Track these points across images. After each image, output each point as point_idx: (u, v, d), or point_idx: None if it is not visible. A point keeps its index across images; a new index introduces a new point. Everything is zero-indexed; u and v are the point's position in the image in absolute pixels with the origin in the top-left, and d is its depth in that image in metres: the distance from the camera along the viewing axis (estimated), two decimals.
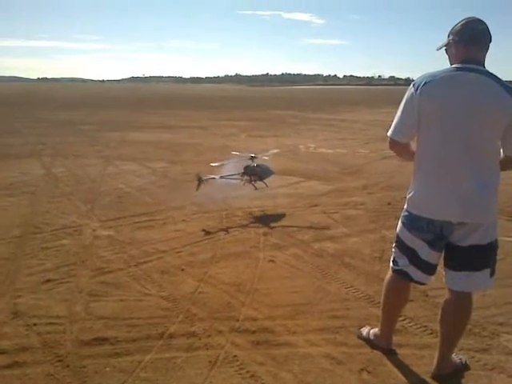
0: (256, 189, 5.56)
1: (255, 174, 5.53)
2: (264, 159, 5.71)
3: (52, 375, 2.35)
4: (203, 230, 4.69)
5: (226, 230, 4.76)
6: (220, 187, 5.49)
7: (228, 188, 5.62)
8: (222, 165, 5.64)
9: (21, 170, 7.73)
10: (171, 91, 70.98)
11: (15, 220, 4.94)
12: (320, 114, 23.52)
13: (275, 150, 6.04)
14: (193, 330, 2.79)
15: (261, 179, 5.57)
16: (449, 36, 2.21)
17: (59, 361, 2.47)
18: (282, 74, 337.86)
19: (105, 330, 2.77)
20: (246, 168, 5.52)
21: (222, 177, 5.42)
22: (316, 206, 5.76)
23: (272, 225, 4.91)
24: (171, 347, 2.62)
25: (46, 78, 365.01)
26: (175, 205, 5.67)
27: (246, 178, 5.53)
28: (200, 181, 5.18)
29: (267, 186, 5.66)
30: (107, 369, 2.41)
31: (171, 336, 2.72)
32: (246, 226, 4.93)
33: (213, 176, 5.37)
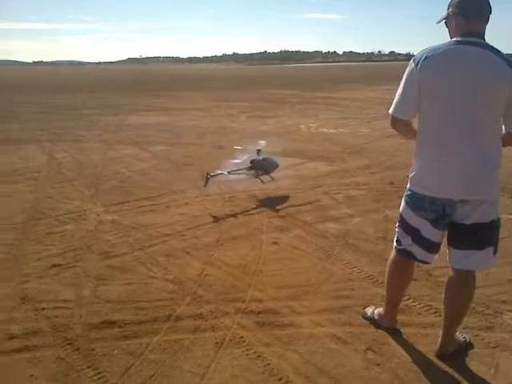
0: (263, 182, 5.50)
1: (261, 167, 5.47)
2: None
3: (62, 358, 2.39)
4: (212, 216, 4.67)
5: (230, 212, 4.78)
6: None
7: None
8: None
9: (22, 156, 7.73)
10: (169, 72, 70.34)
11: (19, 206, 4.96)
12: (320, 92, 23.30)
13: (263, 142, 5.85)
14: (199, 312, 2.83)
15: (267, 173, 5.51)
16: (448, 8, 2.17)
17: (69, 344, 2.51)
18: (281, 51, 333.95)
19: (112, 314, 2.81)
20: (253, 162, 5.45)
21: (229, 172, 5.35)
22: (318, 187, 5.76)
23: (275, 207, 4.93)
24: (178, 329, 2.65)
25: (42, 62, 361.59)
26: (177, 188, 5.68)
27: (252, 172, 5.46)
28: (208, 177, 5.12)
29: (273, 179, 5.60)
30: (116, 351, 2.45)
31: (178, 318, 2.76)
32: (248, 208, 4.95)
33: (220, 171, 5.30)
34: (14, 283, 3.21)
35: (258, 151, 5.53)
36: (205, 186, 5.14)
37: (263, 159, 5.48)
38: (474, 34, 2.07)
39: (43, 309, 2.86)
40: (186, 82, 36.68)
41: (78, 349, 2.47)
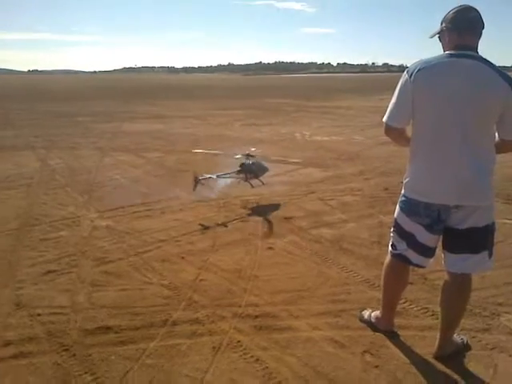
0: (253, 186, 5.46)
1: (251, 171, 5.44)
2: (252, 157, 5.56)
3: (59, 364, 2.37)
4: (207, 221, 4.66)
5: (224, 218, 4.77)
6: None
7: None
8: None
9: (16, 163, 7.69)
10: (164, 81, 70.50)
11: (13, 212, 4.93)
12: (315, 101, 23.46)
13: (253, 149, 5.81)
14: (196, 317, 2.81)
15: (257, 177, 5.48)
16: (442, 23, 2.22)
17: (65, 350, 2.48)
18: (276, 62, 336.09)
19: (108, 319, 2.79)
20: (242, 166, 5.41)
21: (218, 176, 5.33)
22: (313, 193, 5.78)
23: (269, 212, 4.93)
24: (175, 334, 2.64)
25: (37, 71, 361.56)
26: (172, 194, 5.67)
27: (241, 175, 5.42)
28: (196, 180, 5.08)
29: (263, 183, 5.57)
30: (113, 357, 2.43)
31: (174, 323, 2.74)
32: (243, 214, 4.94)
33: (209, 175, 5.27)
34: (9, 289, 3.17)
35: (248, 155, 5.49)
36: (194, 189, 5.12)
37: (252, 163, 5.45)
38: (467, 48, 2.11)
39: (38, 315, 2.84)
40: (180, 91, 36.79)
41: (74, 355, 2.45)
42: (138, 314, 2.85)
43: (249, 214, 4.92)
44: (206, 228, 4.47)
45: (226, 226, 4.53)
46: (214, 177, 5.28)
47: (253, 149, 5.62)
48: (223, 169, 5.50)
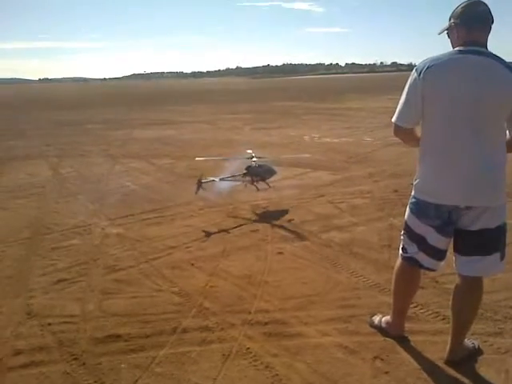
0: (258, 190, 5.38)
1: (257, 174, 5.33)
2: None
3: (68, 373, 2.38)
4: (216, 227, 4.66)
5: (234, 223, 4.77)
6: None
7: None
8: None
9: (28, 172, 7.79)
10: (173, 87, 70.90)
11: (25, 221, 4.98)
12: (323, 103, 23.41)
13: (249, 151, 5.67)
14: (206, 324, 2.81)
15: (263, 180, 5.38)
16: (450, 19, 2.19)
17: (75, 359, 2.49)
18: (284, 64, 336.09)
19: (118, 327, 2.79)
20: (248, 168, 5.30)
21: (222, 179, 5.19)
22: (322, 196, 5.75)
23: (279, 217, 4.92)
24: (185, 342, 2.64)
25: (48, 79, 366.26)
26: (182, 201, 5.68)
27: (247, 179, 5.32)
28: (199, 184, 4.96)
29: (270, 186, 5.48)
30: (122, 365, 2.44)
31: (184, 330, 2.74)
32: (253, 219, 4.94)
33: (212, 178, 5.15)
34: (20, 298, 3.21)
35: (258, 158, 5.38)
36: (196, 192, 5.01)
37: (259, 166, 5.35)
38: (476, 44, 2.08)
39: (49, 324, 2.86)
40: (189, 97, 36.97)
41: (84, 364, 2.46)
42: (149, 322, 2.85)
43: (258, 219, 4.92)
44: (209, 235, 4.43)
45: (229, 233, 4.50)
46: (217, 180, 5.14)
47: (249, 151, 5.52)
48: (233, 173, 5.42)
